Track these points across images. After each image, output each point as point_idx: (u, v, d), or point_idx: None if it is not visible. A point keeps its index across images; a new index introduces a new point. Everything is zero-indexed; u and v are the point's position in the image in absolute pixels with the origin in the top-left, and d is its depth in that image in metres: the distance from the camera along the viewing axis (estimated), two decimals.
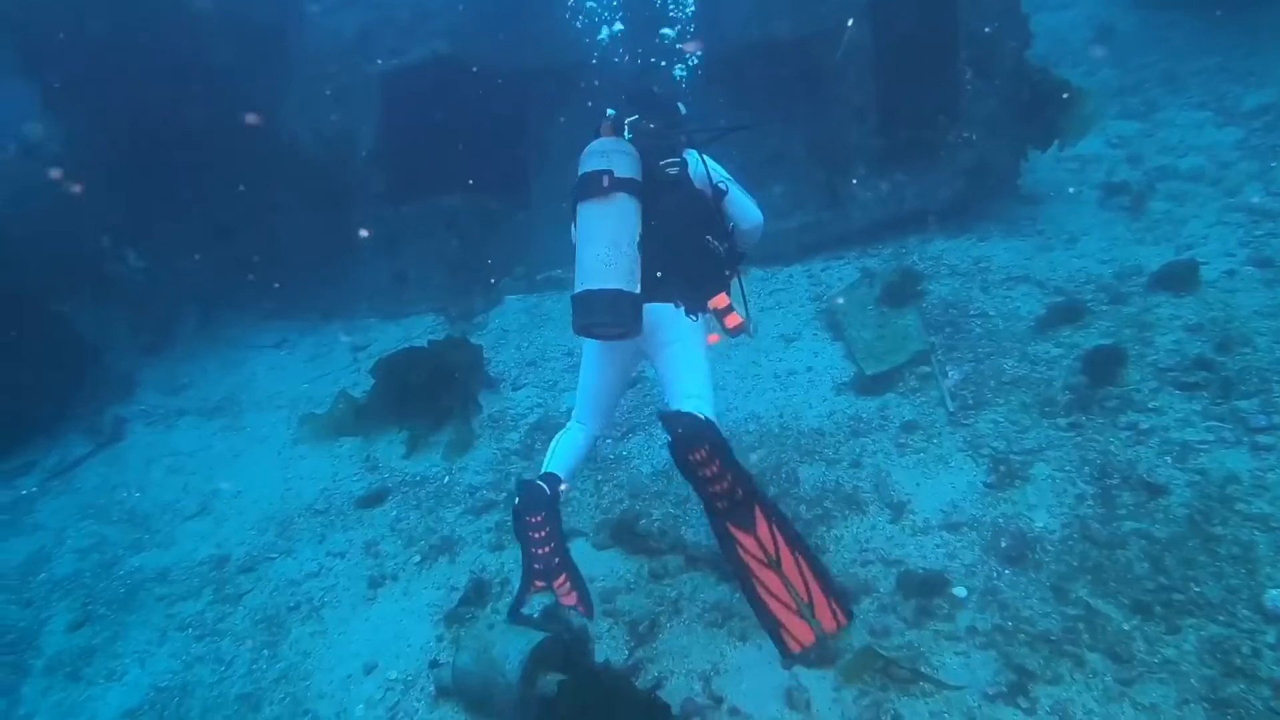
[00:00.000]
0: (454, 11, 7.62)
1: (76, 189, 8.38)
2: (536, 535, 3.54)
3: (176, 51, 8.11)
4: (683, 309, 3.58)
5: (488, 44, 7.73)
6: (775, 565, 3.11)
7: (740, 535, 3.13)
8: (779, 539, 3.13)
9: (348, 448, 6.30)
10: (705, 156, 3.81)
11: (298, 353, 8.00)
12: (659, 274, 3.48)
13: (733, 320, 3.69)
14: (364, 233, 8.07)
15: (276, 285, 8.48)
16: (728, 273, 3.83)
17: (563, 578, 3.57)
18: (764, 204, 7.07)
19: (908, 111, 7.08)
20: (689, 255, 3.64)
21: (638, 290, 3.35)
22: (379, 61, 7.74)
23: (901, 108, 7.08)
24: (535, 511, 3.54)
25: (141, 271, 8.92)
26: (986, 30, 6.88)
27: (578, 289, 3.36)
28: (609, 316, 3.33)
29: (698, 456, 3.08)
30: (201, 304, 8.93)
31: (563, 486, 3.71)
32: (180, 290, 8.90)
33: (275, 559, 5.21)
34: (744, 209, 3.87)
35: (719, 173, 3.82)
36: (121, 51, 7.85)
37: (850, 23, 6.86)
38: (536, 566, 3.57)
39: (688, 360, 3.58)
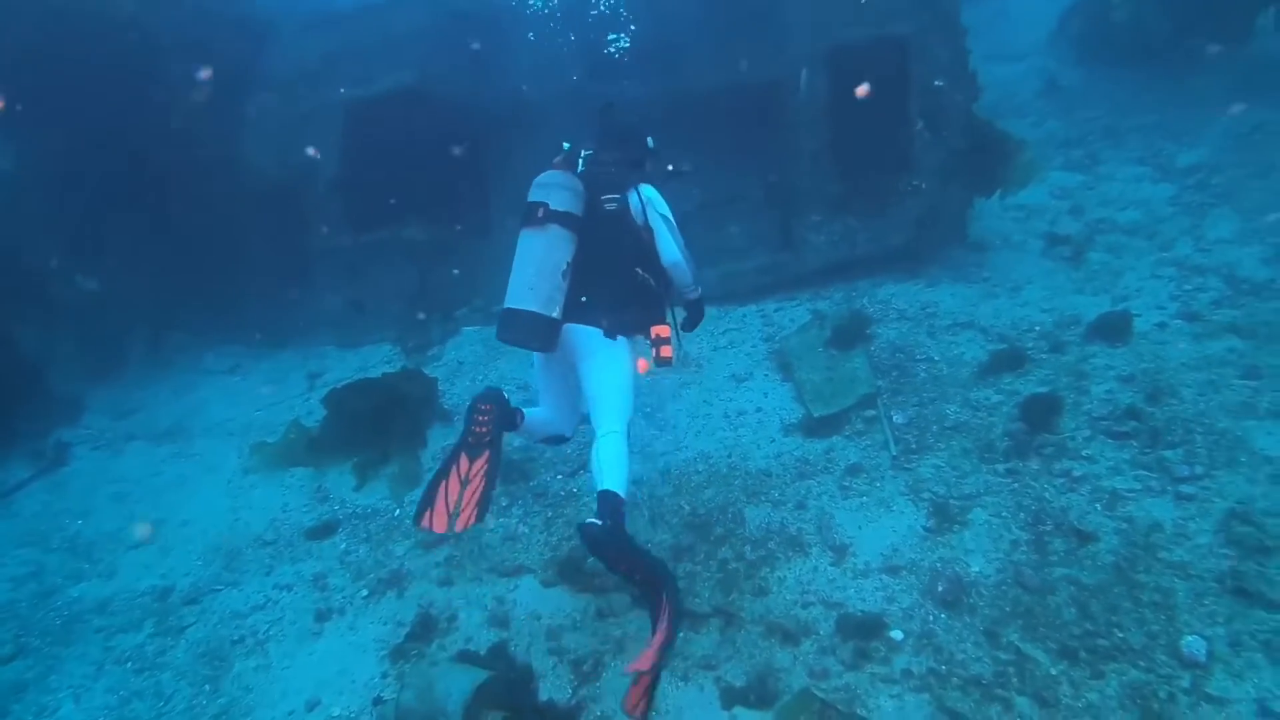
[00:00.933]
0: (421, 43, 7.72)
1: (24, 208, 8.29)
2: (481, 415, 3.90)
3: (134, 72, 8.09)
4: (601, 332, 3.90)
5: (453, 77, 7.83)
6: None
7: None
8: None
9: (299, 478, 6.26)
10: (648, 193, 4.09)
11: (251, 379, 7.94)
12: (584, 299, 3.89)
13: (666, 350, 4.05)
14: (320, 260, 8.07)
15: (232, 310, 8.44)
16: (665, 305, 4.16)
17: (485, 455, 3.88)
18: (720, 244, 7.25)
19: (861, 159, 7.30)
20: (616, 284, 3.98)
21: (554, 314, 3.80)
22: (343, 90, 7.80)
23: (855, 155, 7.30)
24: (488, 401, 3.93)
25: (92, 293, 8.79)
26: (936, 84, 7.15)
27: (504, 305, 3.85)
28: (523, 334, 3.82)
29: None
30: (154, 327, 8.82)
31: (520, 420, 4.10)
32: (132, 313, 8.78)
33: (221, 591, 5.15)
34: (664, 248, 4.09)
35: (657, 210, 4.07)
36: (76, 71, 7.80)
37: (805, 71, 7.09)
38: (469, 439, 3.89)
39: (601, 378, 3.93)
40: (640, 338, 4.08)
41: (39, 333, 8.37)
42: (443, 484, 3.82)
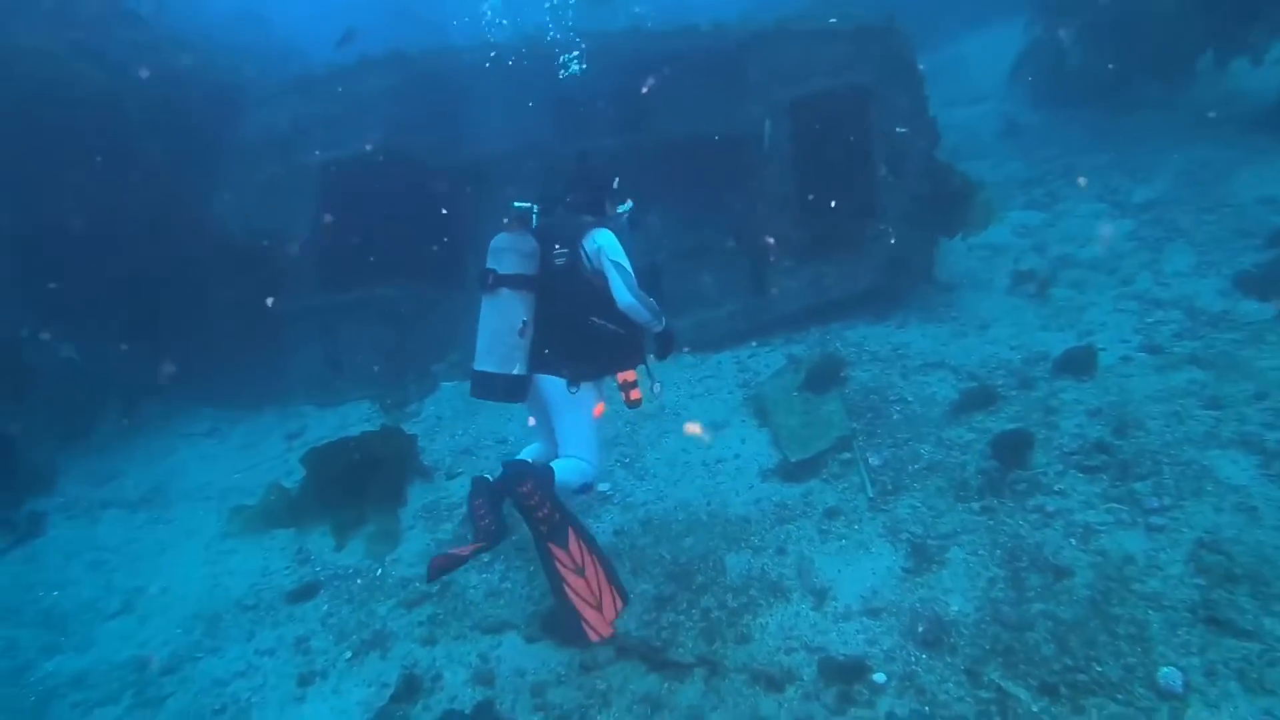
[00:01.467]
0: (390, 105, 7.87)
1: None
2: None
3: (106, 140, 8.18)
4: (564, 382, 4.21)
5: (423, 135, 7.98)
6: (581, 573, 3.93)
7: (557, 551, 3.91)
8: (584, 551, 3.97)
9: (279, 540, 6.21)
10: (601, 239, 4.22)
11: (229, 442, 7.90)
12: (546, 350, 4.21)
13: (634, 394, 4.35)
14: (296, 321, 8.11)
15: (208, 373, 8.43)
16: (635, 347, 4.37)
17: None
18: (694, 293, 7.35)
19: (828, 205, 7.49)
20: (574, 334, 4.22)
21: (515, 370, 4.13)
22: (317, 153, 7.92)
23: (822, 202, 7.49)
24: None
25: (67, 361, 8.75)
26: (898, 130, 7.38)
27: (473, 367, 4.19)
28: (489, 391, 4.16)
29: (524, 488, 3.83)
30: (129, 393, 8.77)
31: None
32: (106, 379, 8.74)
33: (201, 659, 5.08)
34: (615, 291, 4.18)
35: (608, 257, 4.19)
36: (48, 140, 7.89)
37: (768, 122, 7.31)
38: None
39: (565, 425, 4.28)
40: (610, 379, 4.35)
41: (9, 403, 8.32)
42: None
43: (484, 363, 4.14)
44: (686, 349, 7.46)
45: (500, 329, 4.12)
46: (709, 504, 5.49)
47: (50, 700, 4.87)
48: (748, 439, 6.20)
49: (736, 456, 6.00)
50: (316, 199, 8.04)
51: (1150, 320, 6.60)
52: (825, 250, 7.60)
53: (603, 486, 5.89)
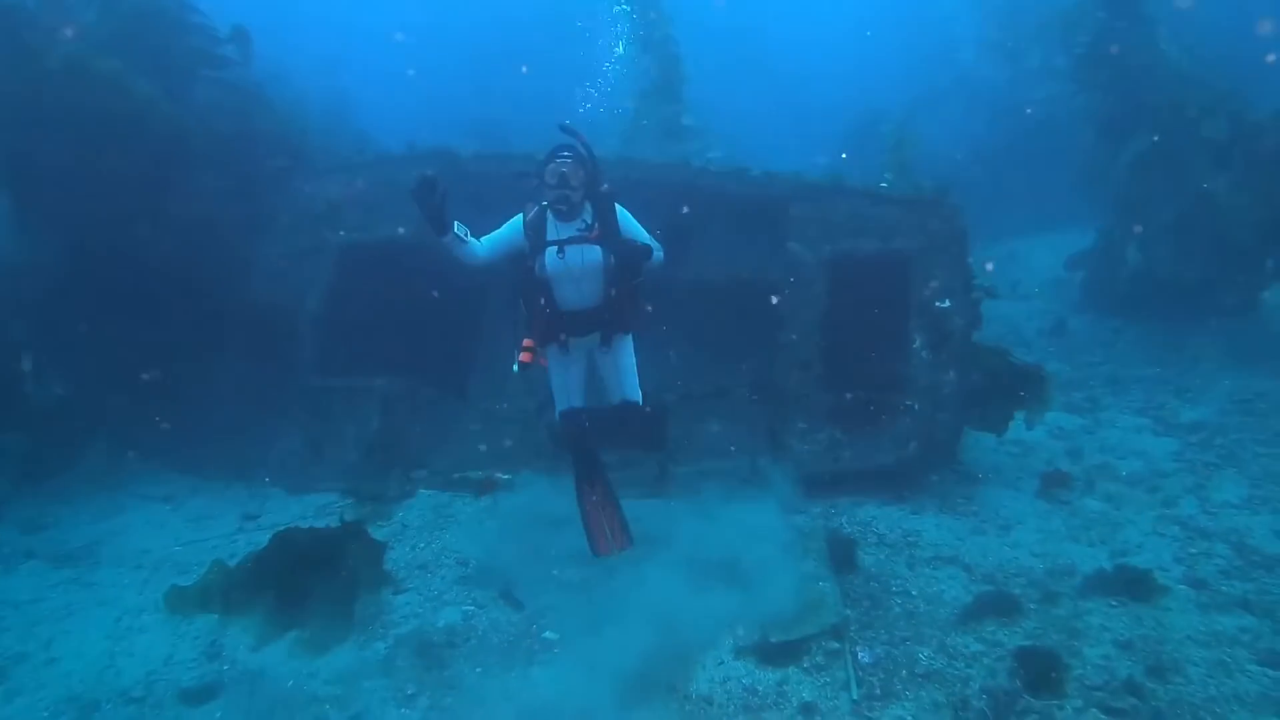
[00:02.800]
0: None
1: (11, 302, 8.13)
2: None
3: (165, 181, 8.13)
4: None
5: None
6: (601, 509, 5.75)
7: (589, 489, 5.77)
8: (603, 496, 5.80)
9: (198, 626, 5.61)
10: None
11: (182, 511, 7.36)
12: None
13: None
14: (287, 398, 7.75)
15: (187, 436, 8.03)
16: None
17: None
18: (700, 440, 6.87)
19: (854, 371, 7.06)
20: None
21: None
22: (341, 233, 7.79)
23: (848, 366, 7.08)
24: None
25: (56, 398, 8.43)
26: (937, 305, 7.03)
27: None
28: None
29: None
30: (111, 442, 8.37)
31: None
32: (93, 424, 8.38)
33: None
34: None
35: None
36: (107, 167, 7.83)
37: (793, 244, 7.07)
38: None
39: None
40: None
41: None
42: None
43: None
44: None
45: None
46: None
47: None
48: (728, 607, 5.48)
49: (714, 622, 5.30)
50: (330, 279, 7.83)
51: (1194, 550, 5.92)
52: (845, 419, 7.11)
53: (548, 634, 5.25)
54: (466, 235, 5.37)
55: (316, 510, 7.21)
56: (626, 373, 5.81)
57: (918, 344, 7.04)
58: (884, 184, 7.50)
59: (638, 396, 5.84)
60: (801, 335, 7.16)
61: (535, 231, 5.49)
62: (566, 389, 5.85)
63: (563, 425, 5.84)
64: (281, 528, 6.20)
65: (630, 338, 5.81)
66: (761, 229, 7.68)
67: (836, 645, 4.99)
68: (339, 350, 7.84)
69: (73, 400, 8.23)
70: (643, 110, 12.31)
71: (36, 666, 5.15)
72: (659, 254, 5.60)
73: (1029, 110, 18.14)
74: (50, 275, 8.27)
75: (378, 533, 6.52)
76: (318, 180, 8.49)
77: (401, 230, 7.58)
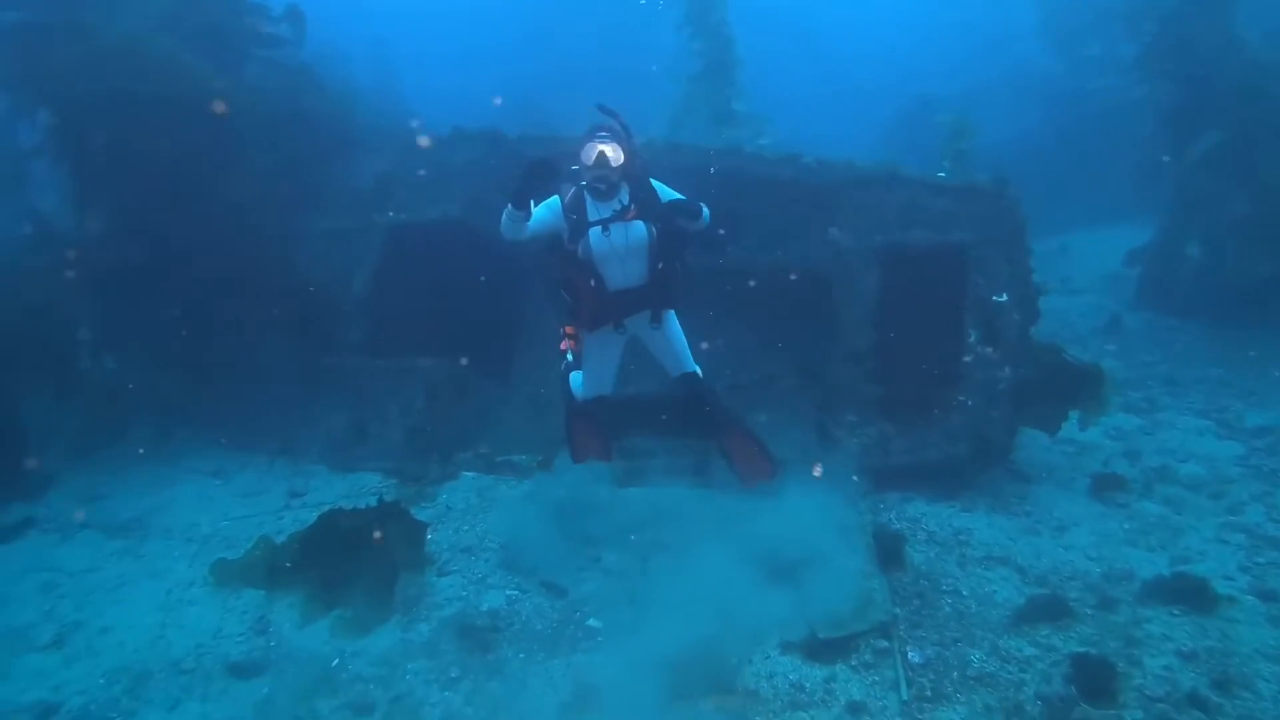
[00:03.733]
0: (474, 179, 7.70)
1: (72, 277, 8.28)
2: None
3: (214, 159, 8.18)
4: None
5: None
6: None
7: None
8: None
9: (245, 601, 5.66)
10: None
11: (230, 486, 7.44)
12: None
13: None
14: (332, 377, 7.81)
15: (235, 412, 8.12)
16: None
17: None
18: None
19: (906, 364, 6.90)
20: None
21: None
22: (390, 214, 7.77)
23: (900, 359, 6.91)
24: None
25: (109, 372, 8.59)
26: (995, 299, 6.83)
27: None
28: None
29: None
30: (161, 416, 8.49)
31: None
32: (141, 398, 8.51)
33: None
34: None
35: None
36: (158, 142, 7.91)
37: (834, 230, 7.01)
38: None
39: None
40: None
41: (50, 403, 8.12)
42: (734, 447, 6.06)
43: None
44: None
45: None
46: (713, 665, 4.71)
47: None
48: (775, 601, 5.40)
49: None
50: (378, 259, 7.83)
51: (1263, 560, 5.69)
52: (895, 412, 6.95)
53: (592, 622, 5.21)
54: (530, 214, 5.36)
55: (361, 490, 7.24)
56: (681, 348, 5.84)
57: (973, 338, 6.84)
58: (942, 174, 7.29)
59: (696, 368, 5.88)
60: (852, 326, 7.00)
61: (575, 213, 5.45)
62: (600, 375, 5.83)
63: (583, 409, 5.98)
64: (326, 506, 6.27)
65: (675, 314, 5.83)
66: (811, 217, 7.51)
67: (885, 644, 4.89)
68: (384, 331, 7.85)
69: (124, 374, 8.37)
70: (693, 94, 12.11)
71: (91, 635, 5.24)
72: (706, 213, 5.55)
73: (1086, 100, 17.62)
74: (104, 251, 8.41)
75: (421, 514, 6.53)
76: (366, 160, 8.48)
77: (453, 210, 7.53)
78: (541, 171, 5.08)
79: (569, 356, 5.59)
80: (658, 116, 11.82)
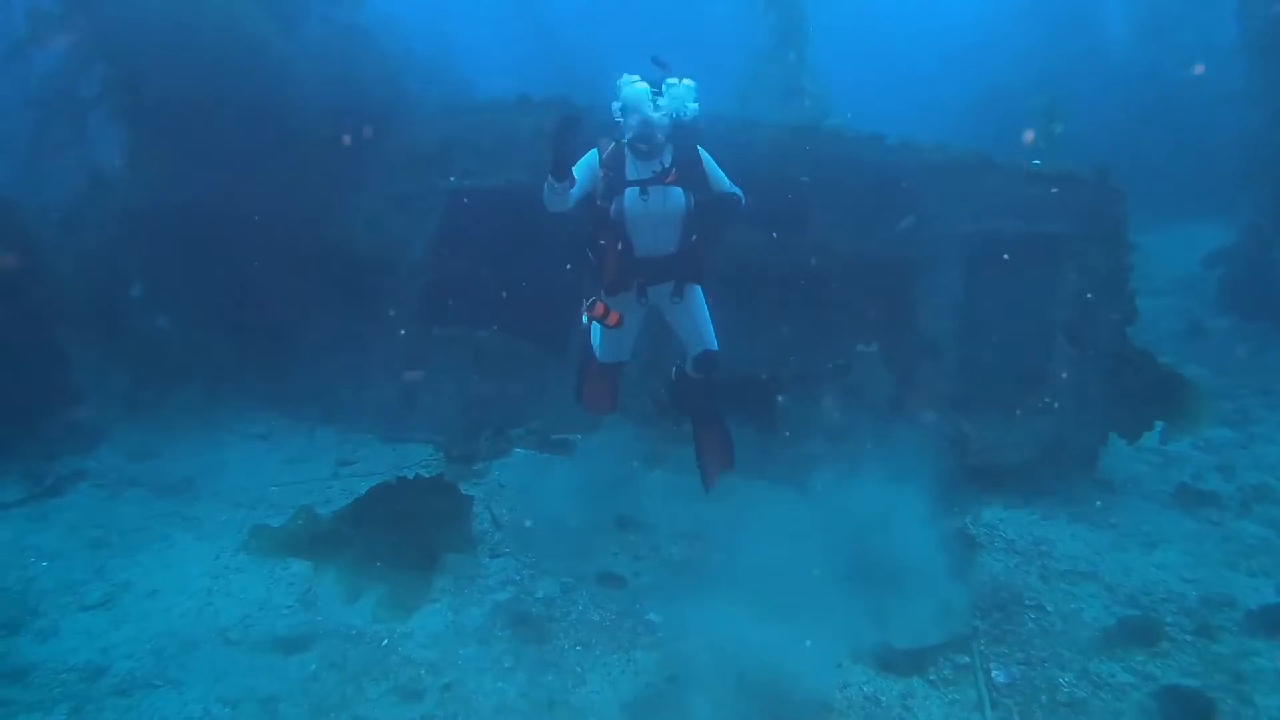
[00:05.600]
0: (540, 148, 7.42)
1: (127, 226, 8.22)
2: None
3: (272, 118, 8.03)
4: None
5: None
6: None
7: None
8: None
9: (293, 571, 5.50)
10: None
11: (278, 451, 7.33)
12: None
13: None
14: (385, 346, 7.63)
15: (285, 377, 7.99)
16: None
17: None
18: (815, 419, 6.43)
19: (989, 360, 6.52)
20: None
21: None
22: (452, 179, 7.52)
23: (983, 355, 6.53)
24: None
25: (160, 331, 8.52)
26: (1088, 296, 6.41)
27: None
28: None
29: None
30: (211, 377, 8.41)
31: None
32: (192, 357, 8.43)
33: (158, 688, 4.37)
34: None
35: None
36: (214, 101, 7.78)
37: (911, 217, 6.64)
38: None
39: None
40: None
41: (99, 356, 8.07)
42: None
43: None
44: None
45: None
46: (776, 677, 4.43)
47: None
48: (845, 603, 5.09)
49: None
50: (439, 225, 7.60)
51: None
52: (974, 410, 6.58)
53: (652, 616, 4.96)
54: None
55: (411, 461, 7.09)
56: (704, 322, 5.47)
57: (1062, 337, 6.43)
58: (1037, 161, 6.84)
59: (716, 347, 5.52)
60: (933, 318, 6.62)
61: (613, 170, 5.12)
62: (618, 341, 5.55)
63: (600, 371, 5.75)
64: (376, 476, 6.09)
65: (699, 289, 5.47)
66: (893, 202, 7.10)
67: (965, 659, 4.58)
68: (439, 299, 7.64)
69: (174, 334, 8.28)
70: (761, 70, 11.66)
71: (139, 597, 5.12)
72: (743, 201, 5.27)
73: (1172, 91, 16.76)
74: (159, 210, 8.31)
75: (471, 490, 6.35)
76: (424, 126, 8.24)
77: (518, 178, 7.28)
78: (574, 128, 4.73)
79: (584, 320, 5.26)
80: (723, 90, 11.40)
